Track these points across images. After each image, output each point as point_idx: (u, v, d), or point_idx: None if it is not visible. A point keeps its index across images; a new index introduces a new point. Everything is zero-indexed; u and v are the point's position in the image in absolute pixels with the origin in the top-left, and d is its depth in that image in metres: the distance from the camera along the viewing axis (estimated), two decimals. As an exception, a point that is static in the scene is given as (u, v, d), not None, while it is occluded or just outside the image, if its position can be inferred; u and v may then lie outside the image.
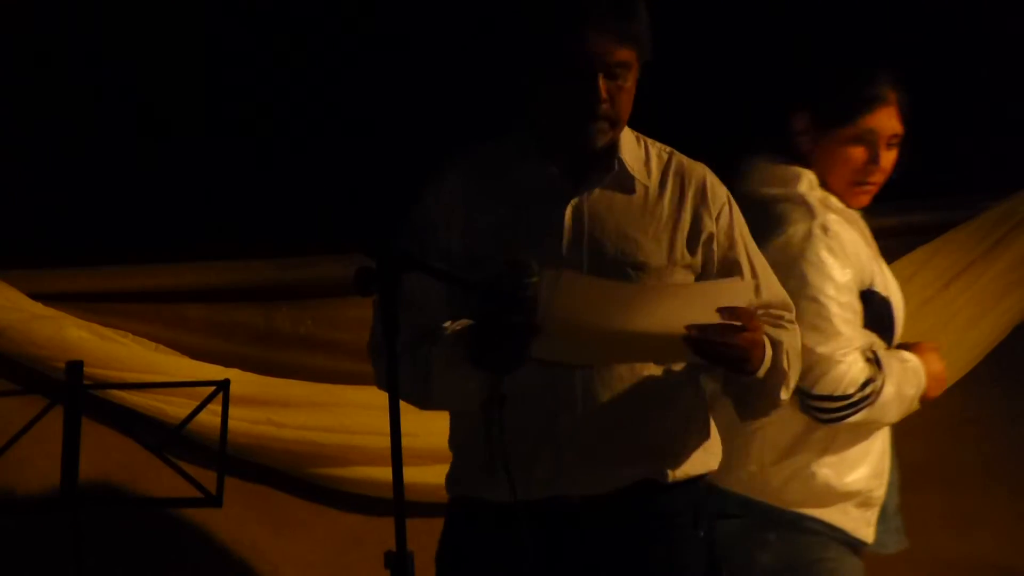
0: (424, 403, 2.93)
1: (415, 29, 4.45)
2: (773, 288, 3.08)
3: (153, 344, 4.09)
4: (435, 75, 4.38)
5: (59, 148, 4.25)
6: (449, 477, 3.07)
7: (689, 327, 2.76)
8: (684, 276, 2.98)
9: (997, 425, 4.63)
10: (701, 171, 3.06)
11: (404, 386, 2.70)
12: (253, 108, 4.38)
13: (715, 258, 3.01)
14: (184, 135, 4.32)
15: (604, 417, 2.93)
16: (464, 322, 2.86)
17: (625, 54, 2.87)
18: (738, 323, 2.79)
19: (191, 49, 4.35)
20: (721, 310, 2.77)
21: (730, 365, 2.86)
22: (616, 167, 2.97)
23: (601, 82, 2.86)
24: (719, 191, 3.06)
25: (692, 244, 3.00)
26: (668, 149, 3.07)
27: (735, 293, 2.83)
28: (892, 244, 4.60)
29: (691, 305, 2.78)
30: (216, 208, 4.28)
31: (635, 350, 2.86)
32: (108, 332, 4.02)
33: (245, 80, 4.39)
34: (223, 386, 3.32)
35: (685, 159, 3.06)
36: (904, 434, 4.54)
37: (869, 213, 4.63)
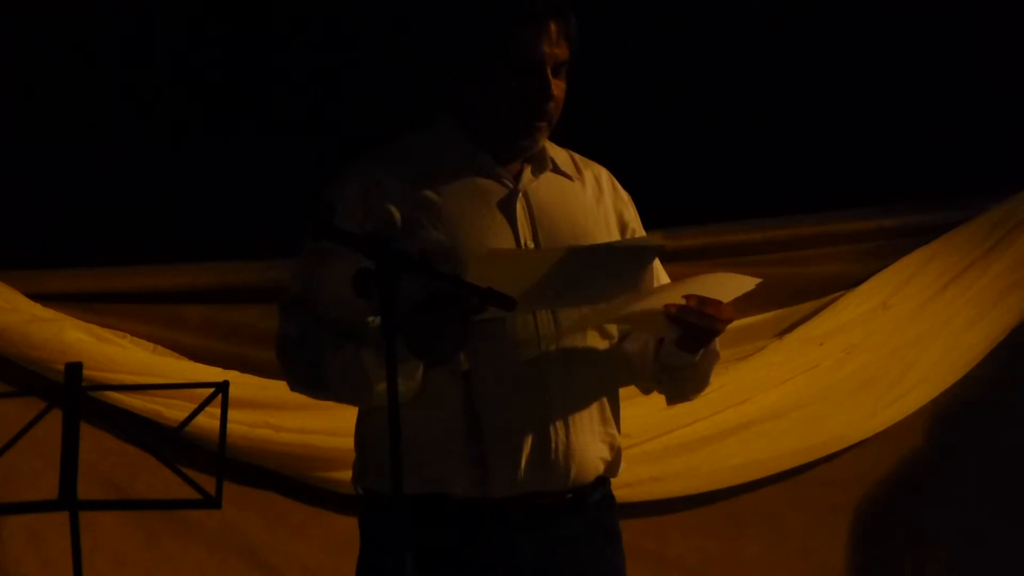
0: (363, 402, 2.85)
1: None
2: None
3: (151, 345, 4.09)
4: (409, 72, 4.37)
5: (59, 148, 4.25)
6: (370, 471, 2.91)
7: (687, 296, 2.77)
8: None
9: (995, 426, 4.63)
10: (602, 168, 3.07)
11: (333, 386, 2.76)
12: (253, 108, 4.38)
13: None
14: (184, 135, 4.32)
15: (583, 397, 2.89)
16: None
17: (566, 51, 2.86)
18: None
19: (190, 50, 4.35)
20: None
21: (700, 338, 2.83)
22: (550, 164, 2.96)
23: (551, 80, 2.84)
24: (622, 189, 3.08)
25: (623, 233, 3.02)
26: (565, 149, 3.05)
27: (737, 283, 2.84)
28: (892, 245, 4.62)
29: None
30: (216, 208, 4.27)
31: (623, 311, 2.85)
32: (106, 334, 4.03)
33: (245, 80, 4.39)
34: (222, 388, 3.31)
35: (581, 157, 3.06)
36: (903, 435, 4.57)
37: (871, 213, 4.67)
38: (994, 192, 4.66)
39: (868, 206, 4.66)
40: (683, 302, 2.77)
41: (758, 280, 2.84)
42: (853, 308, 4.53)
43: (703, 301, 2.78)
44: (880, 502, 4.57)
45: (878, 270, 4.59)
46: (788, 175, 4.60)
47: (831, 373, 4.50)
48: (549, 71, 2.83)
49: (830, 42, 4.65)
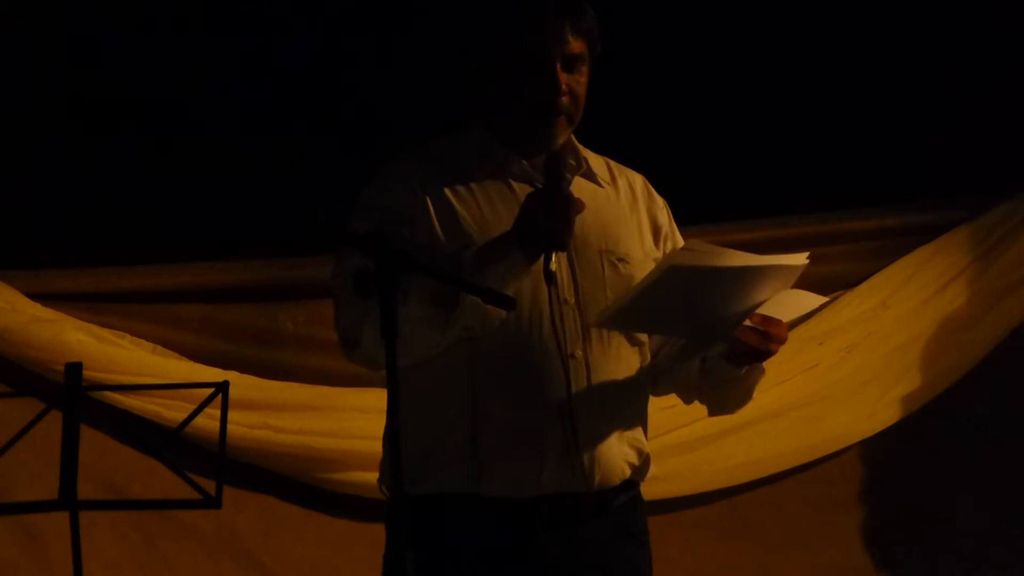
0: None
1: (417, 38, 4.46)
2: None
3: (151, 346, 4.09)
4: (433, 77, 4.39)
5: (59, 149, 4.25)
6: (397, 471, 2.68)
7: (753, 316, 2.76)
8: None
9: (995, 427, 4.63)
10: (637, 174, 3.08)
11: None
12: (253, 110, 4.38)
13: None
14: (183, 136, 4.32)
15: (607, 401, 2.89)
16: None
17: (580, 46, 2.87)
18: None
19: (190, 51, 4.35)
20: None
21: (751, 357, 2.85)
22: (583, 166, 2.97)
23: (561, 75, 2.86)
24: (657, 194, 3.08)
25: (656, 239, 3.03)
26: (602, 156, 3.07)
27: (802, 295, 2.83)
28: (892, 244, 4.62)
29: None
30: (215, 208, 4.27)
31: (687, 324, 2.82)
32: (106, 334, 4.03)
33: (245, 82, 4.39)
34: (222, 388, 3.31)
35: (617, 164, 3.07)
36: (903, 434, 4.57)
37: (871, 213, 4.67)
38: (994, 192, 4.66)
39: (868, 206, 4.65)
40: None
41: (824, 299, 2.81)
42: (853, 308, 4.53)
43: (766, 321, 2.78)
44: (880, 501, 4.57)
45: (878, 270, 4.59)
46: (788, 175, 4.60)
47: (831, 372, 4.50)
48: (559, 67, 2.85)
49: (830, 42, 4.65)
